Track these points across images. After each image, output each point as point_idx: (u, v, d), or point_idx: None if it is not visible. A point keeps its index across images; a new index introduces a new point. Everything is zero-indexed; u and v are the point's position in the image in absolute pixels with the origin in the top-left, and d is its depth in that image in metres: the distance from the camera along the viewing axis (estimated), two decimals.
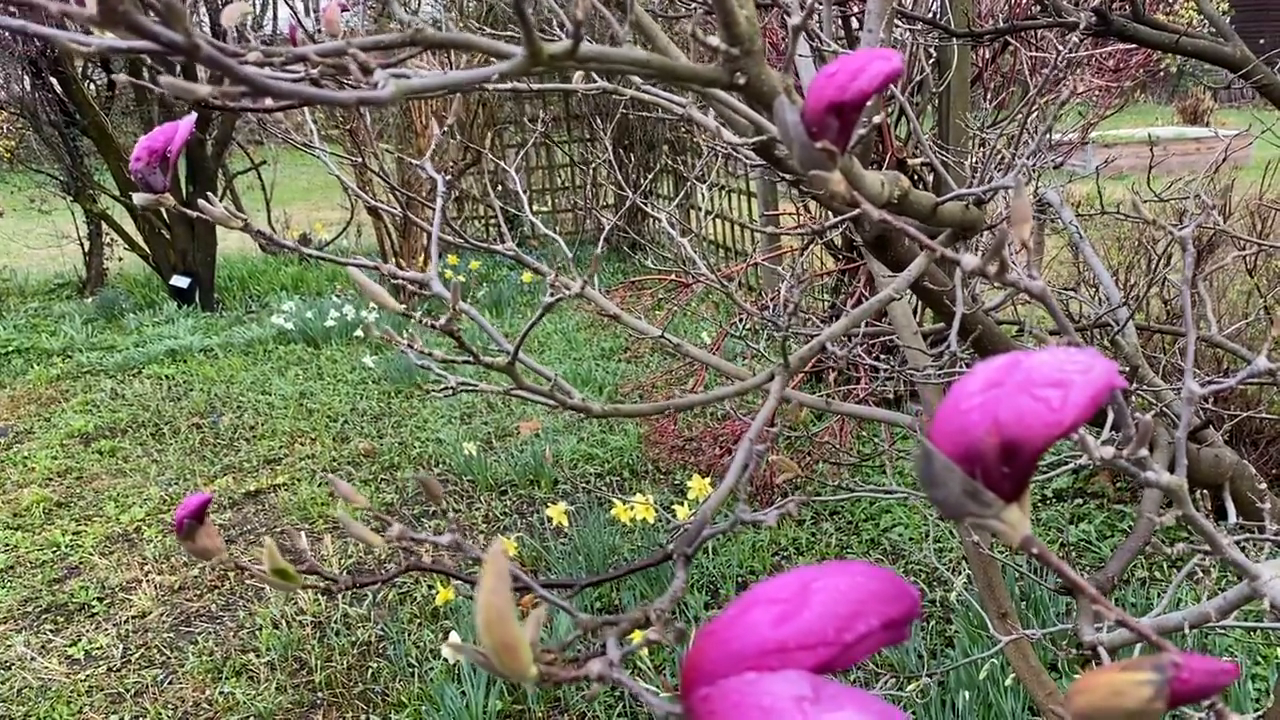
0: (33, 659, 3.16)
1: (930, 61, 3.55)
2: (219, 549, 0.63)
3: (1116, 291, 1.59)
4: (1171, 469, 0.54)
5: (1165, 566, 3.09)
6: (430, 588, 3.32)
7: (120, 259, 8.85)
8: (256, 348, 6.53)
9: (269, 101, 0.69)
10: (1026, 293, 0.47)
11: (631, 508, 2.93)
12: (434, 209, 0.87)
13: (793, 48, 0.49)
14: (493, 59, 0.49)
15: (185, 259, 7.77)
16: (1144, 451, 0.50)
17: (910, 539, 3.46)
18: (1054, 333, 1.56)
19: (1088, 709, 0.29)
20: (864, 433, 4.20)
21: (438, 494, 0.58)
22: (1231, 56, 1.82)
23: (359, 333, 6.47)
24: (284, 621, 3.24)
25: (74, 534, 4.02)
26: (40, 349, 6.84)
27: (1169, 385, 1.45)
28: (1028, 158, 1.23)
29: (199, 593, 3.51)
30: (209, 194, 0.79)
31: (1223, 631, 2.64)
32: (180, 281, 7.73)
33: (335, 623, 3.20)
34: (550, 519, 2.99)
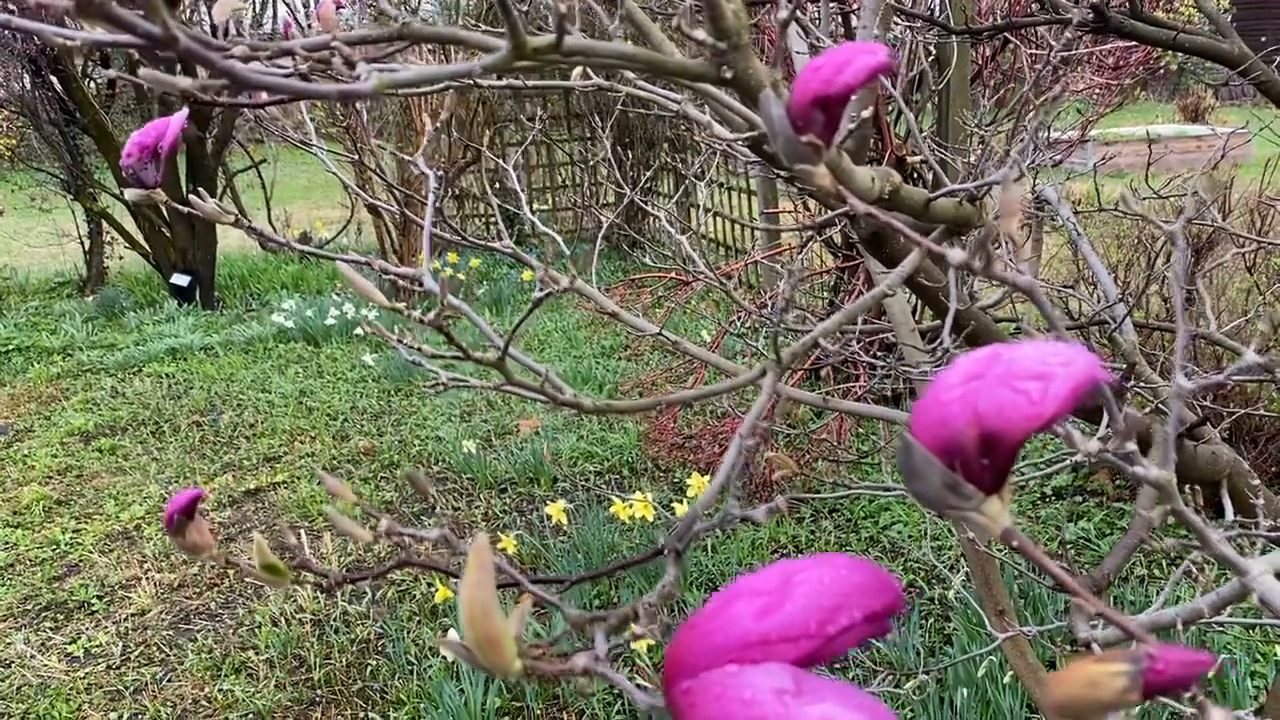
0: (32, 656, 3.16)
1: (930, 59, 3.55)
2: (209, 545, 0.63)
3: (1114, 288, 1.59)
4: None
5: (1164, 564, 3.09)
6: (429, 585, 3.32)
7: (121, 257, 8.86)
8: (257, 346, 6.53)
9: (263, 96, 0.69)
10: (1014, 286, 0.47)
11: (631, 505, 2.93)
12: (428, 208, 0.87)
13: (781, 41, 0.49)
14: (481, 53, 0.49)
15: (185, 257, 7.78)
16: (1132, 446, 0.50)
17: (909, 537, 3.46)
18: (1051, 329, 1.56)
19: (1064, 700, 0.29)
20: (862, 430, 4.20)
21: (425, 490, 0.58)
22: (1230, 53, 1.82)
23: (359, 331, 6.48)
24: (283, 619, 3.24)
25: (74, 532, 4.02)
26: (41, 347, 6.85)
27: (1166, 382, 1.45)
28: (1019, 153, 1.23)
29: (198, 590, 3.51)
30: (201, 189, 0.79)
31: (1221, 629, 2.64)
32: (181, 280, 7.73)
33: (334, 620, 3.21)
34: (549, 517, 2.99)
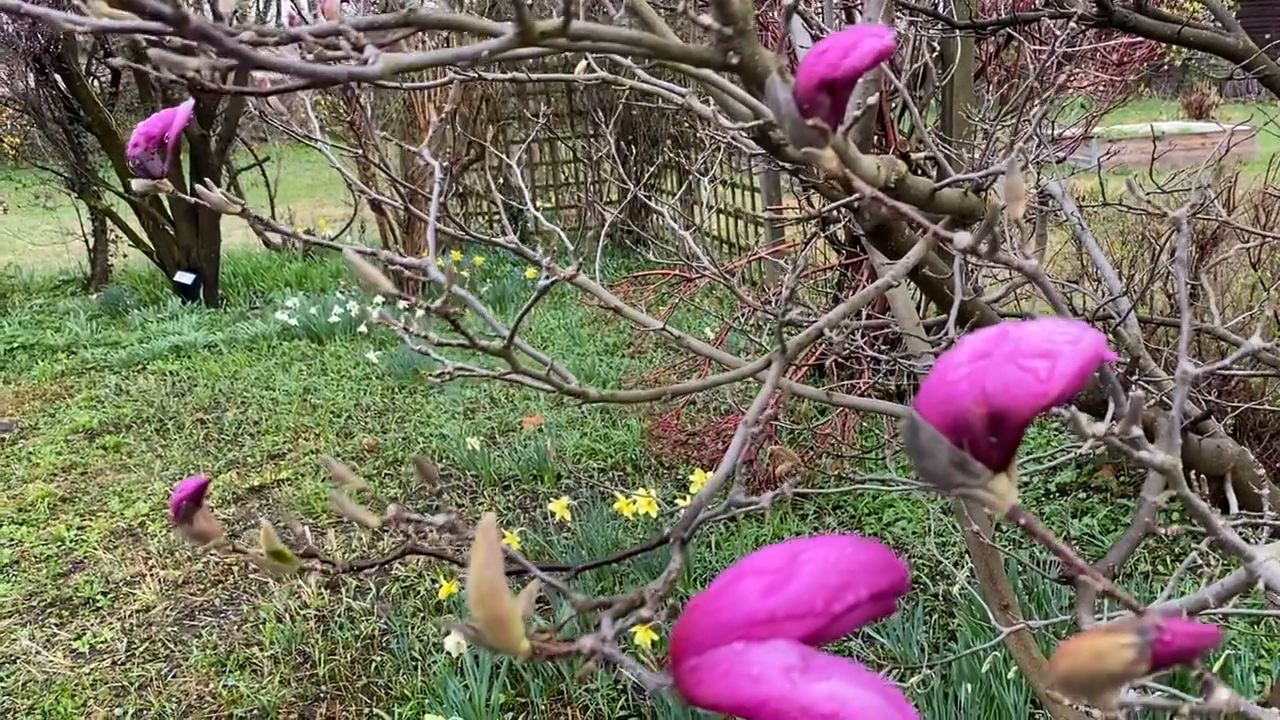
0: (37, 653, 3.17)
1: (934, 54, 3.54)
2: (216, 533, 0.63)
3: (1118, 283, 1.59)
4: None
5: (1169, 560, 3.08)
6: (433, 581, 3.33)
7: (125, 255, 8.87)
8: (260, 343, 6.54)
9: (266, 85, 0.70)
10: (1019, 270, 0.47)
11: (634, 502, 2.93)
12: (433, 199, 0.88)
13: (785, 28, 0.49)
14: (487, 39, 0.49)
15: (189, 255, 7.78)
16: (1137, 430, 0.50)
17: (913, 533, 3.46)
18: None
19: (1070, 673, 0.29)
20: (866, 426, 4.19)
21: (432, 475, 0.58)
22: (1234, 47, 1.82)
23: (363, 328, 6.48)
24: (287, 615, 3.24)
25: (79, 529, 4.03)
26: (45, 345, 6.86)
27: (1170, 377, 1.45)
28: (1024, 142, 1.22)
29: (203, 587, 3.52)
30: (206, 180, 0.79)
31: (1225, 624, 2.64)
32: (185, 278, 7.74)
33: (339, 616, 3.21)
34: (553, 513, 2.99)
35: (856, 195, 0.48)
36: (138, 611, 3.39)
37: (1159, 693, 1.25)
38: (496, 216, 8.77)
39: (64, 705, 2.89)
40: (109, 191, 8.24)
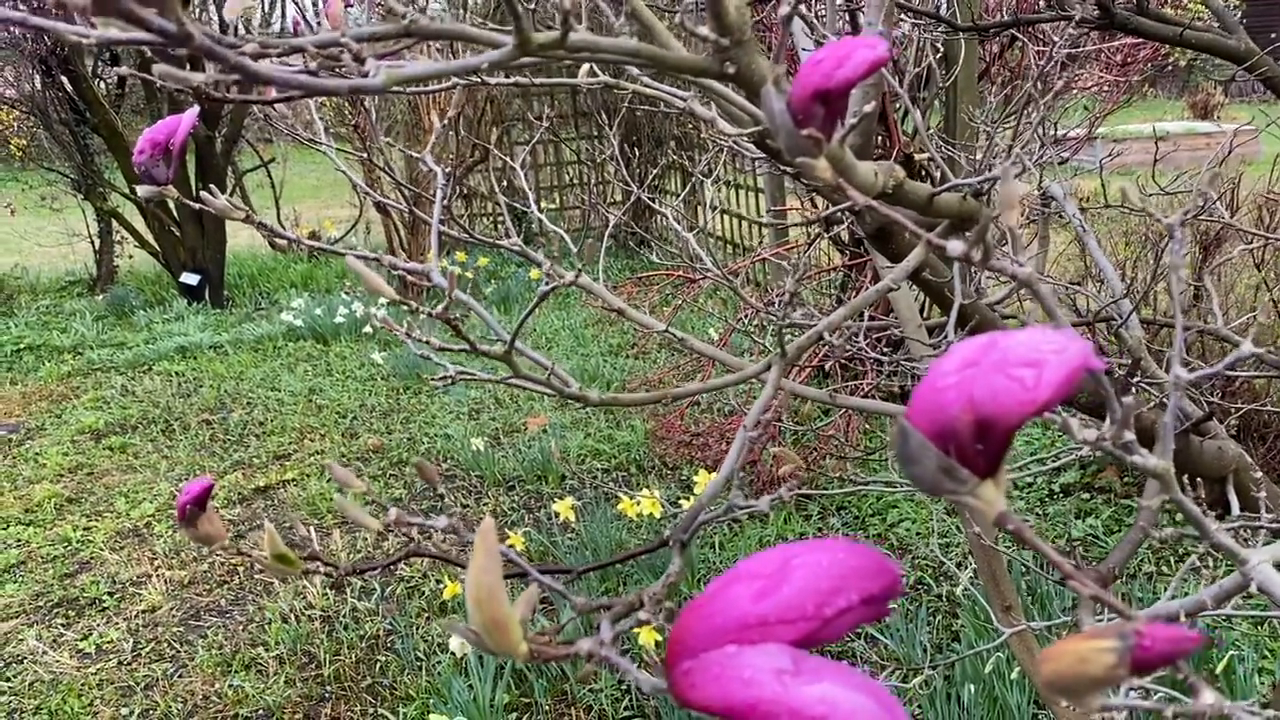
0: (44, 653, 3.18)
1: (937, 56, 3.55)
2: (221, 535, 0.64)
3: (1120, 284, 1.59)
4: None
5: (1171, 561, 3.08)
6: (438, 582, 3.34)
7: (130, 256, 8.89)
8: (266, 344, 6.56)
9: (271, 93, 0.70)
10: (1013, 278, 0.47)
11: (638, 503, 2.94)
12: (436, 203, 0.88)
13: (782, 37, 0.50)
14: (487, 49, 0.50)
15: (195, 256, 7.81)
16: (1130, 435, 0.50)
17: (916, 534, 3.46)
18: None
19: (1055, 676, 0.29)
20: (869, 427, 4.20)
21: (433, 478, 0.59)
22: (1236, 49, 1.82)
23: (368, 329, 6.50)
24: (293, 616, 3.26)
25: (85, 529, 4.05)
26: (51, 346, 6.88)
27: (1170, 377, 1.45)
28: (1023, 147, 1.23)
29: (208, 587, 3.53)
30: (212, 186, 0.80)
31: (1229, 625, 2.64)
32: (190, 279, 7.76)
33: (343, 617, 3.22)
34: (557, 514, 3.00)
35: (853, 202, 0.49)
36: (144, 612, 3.40)
37: (1159, 694, 1.26)
38: (501, 218, 8.79)
39: (70, 705, 2.90)
40: (115, 193, 8.27)
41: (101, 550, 3.84)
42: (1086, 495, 3.63)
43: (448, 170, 0.83)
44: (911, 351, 1.73)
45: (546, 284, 0.75)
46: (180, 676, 3.04)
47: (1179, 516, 3.15)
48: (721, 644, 0.34)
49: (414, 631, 3.08)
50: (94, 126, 7.72)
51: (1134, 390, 1.44)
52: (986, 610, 2.53)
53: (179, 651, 3.16)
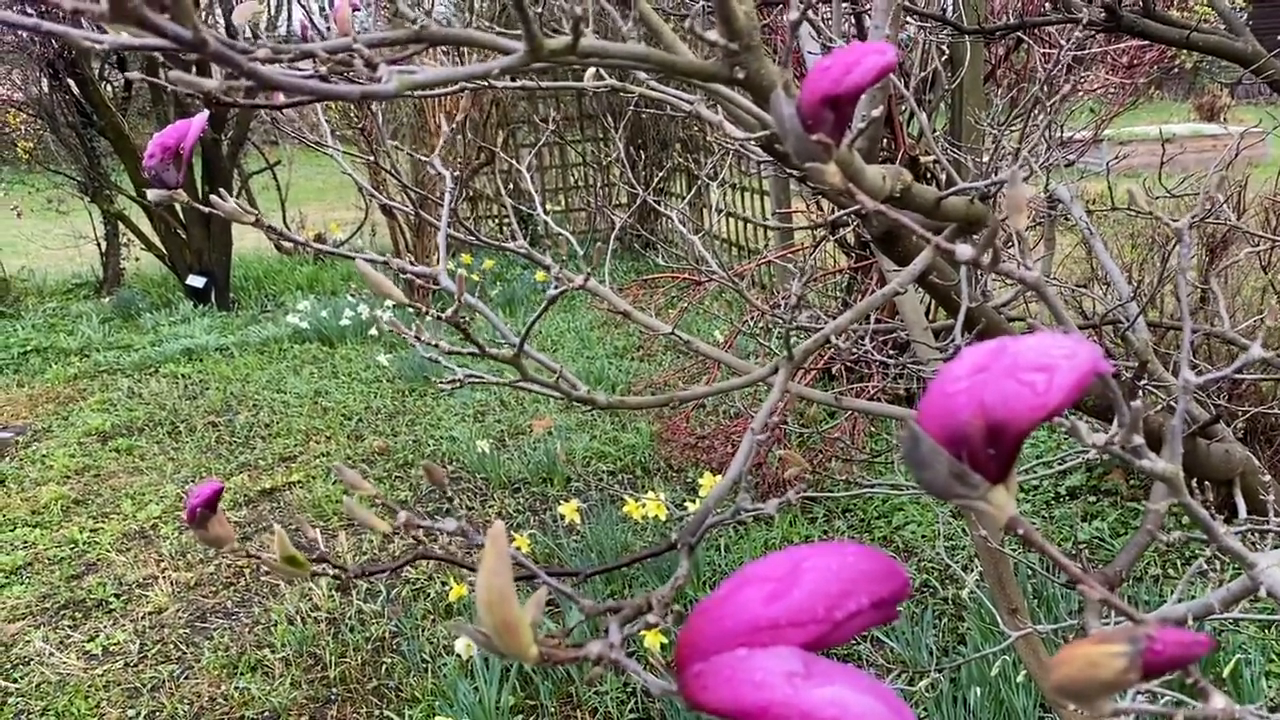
0: (51, 654, 3.19)
1: (943, 58, 3.55)
2: (230, 537, 0.64)
3: (1127, 287, 1.59)
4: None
5: (1178, 564, 3.08)
6: (444, 584, 3.34)
7: (137, 259, 8.92)
8: (272, 347, 6.57)
9: (280, 97, 0.71)
10: (1020, 282, 0.48)
11: (643, 505, 2.94)
12: (444, 206, 0.89)
13: (790, 43, 0.50)
14: (497, 55, 0.50)
15: (201, 259, 7.82)
16: (1139, 439, 0.50)
17: (922, 537, 3.46)
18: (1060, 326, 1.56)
19: (1065, 680, 0.30)
20: (875, 430, 4.19)
21: (441, 480, 0.59)
22: (1243, 52, 1.82)
23: (374, 331, 6.51)
24: (299, 618, 3.26)
25: (92, 531, 4.06)
26: (58, 348, 6.90)
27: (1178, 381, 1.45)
28: (1029, 151, 1.23)
29: (215, 589, 3.54)
30: (222, 190, 0.80)
31: (1236, 629, 2.63)
32: (196, 281, 7.78)
33: (349, 619, 3.23)
34: (563, 516, 3.00)
35: (860, 206, 0.49)
36: (150, 613, 3.41)
37: (1166, 698, 1.25)
38: (506, 220, 8.80)
39: (77, 706, 2.91)
40: (121, 195, 8.29)
41: (108, 552, 3.85)
42: (1093, 498, 3.62)
43: (456, 174, 0.84)
44: (918, 354, 1.73)
45: (555, 287, 0.75)
46: (187, 678, 3.04)
47: (1186, 520, 3.15)
48: (732, 646, 0.34)
49: (420, 634, 3.09)
50: (100, 129, 7.75)
51: (1141, 393, 1.44)
52: (992, 613, 2.53)
53: (185, 653, 3.17)
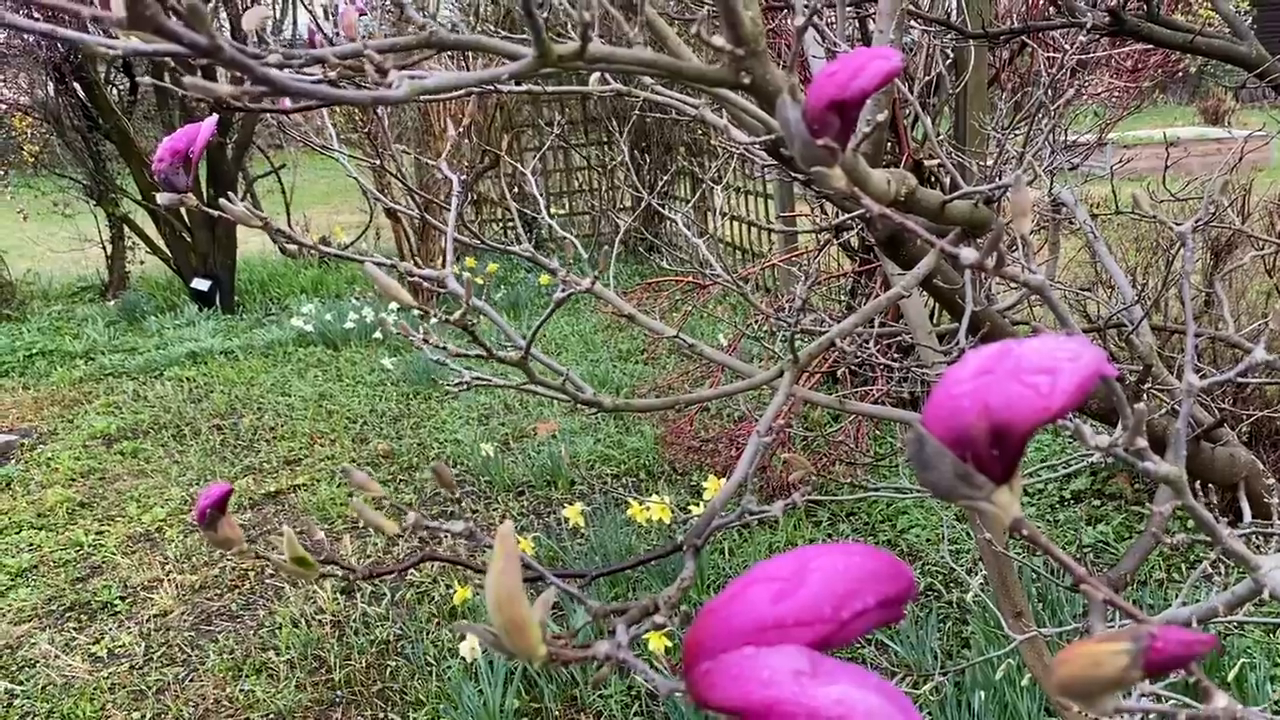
0: (56, 657, 3.20)
1: (947, 62, 3.55)
2: (239, 539, 0.65)
3: (1131, 291, 1.60)
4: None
5: (1183, 568, 3.07)
6: (448, 587, 3.35)
7: (142, 262, 8.93)
8: (276, 350, 6.58)
9: (288, 102, 0.71)
10: (1025, 286, 0.48)
11: (648, 508, 2.94)
12: (451, 210, 0.89)
13: (796, 49, 0.51)
14: (504, 60, 0.50)
15: (206, 262, 7.84)
16: (1142, 442, 0.51)
17: (927, 540, 3.46)
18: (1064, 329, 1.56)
19: (1068, 679, 0.30)
20: (880, 433, 4.19)
21: (450, 482, 0.60)
22: (1247, 56, 1.82)
23: (378, 335, 6.52)
24: (303, 620, 3.27)
25: (97, 534, 4.07)
26: (63, 351, 6.91)
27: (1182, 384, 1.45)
28: (1034, 155, 1.23)
29: (220, 592, 3.54)
30: (230, 194, 0.81)
31: (1240, 632, 2.63)
32: (201, 284, 7.79)
33: (354, 622, 3.23)
34: (567, 519, 3.00)
35: (865, 210, 0.49)
36: (155, 616, 3.42)
37: (1171, 700, 1.25)
38: (511, 223, 8.80)
39: (82, 709, 2.92)
40: (127, 199, 8.31)
41: (113, 555, 3.86)
42: (1097, 501, 3.62)
43: (464, 178, 0.84)
44: (922, 358, 1.73)
45: (562, 291, 0.76)
46: (191, 681, 3.05)
47: (1190, 523, 3.14)
48: (740, 645, 0.35)
49: (424, 636, 3.09)
50: (106, 133, 7.77)
51: (1145, 397, 1.44)
52: (997, 616, 2.53)
53: (190, 656, 3.18)
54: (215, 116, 0.81)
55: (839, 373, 3.94)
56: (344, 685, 2.94)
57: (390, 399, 5.40)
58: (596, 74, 1.21)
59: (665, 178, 7.36)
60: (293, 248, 0.83)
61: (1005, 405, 0.34)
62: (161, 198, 0.74)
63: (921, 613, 2.95)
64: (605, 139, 8.75)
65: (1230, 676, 2.43)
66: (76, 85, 7.54)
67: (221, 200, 0.78)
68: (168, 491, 4.39)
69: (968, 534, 3.44)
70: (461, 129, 0.98)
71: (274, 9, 9.24)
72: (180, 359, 6.46)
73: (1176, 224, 0.63)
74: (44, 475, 4.71)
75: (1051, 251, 1.68)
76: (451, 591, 3.26)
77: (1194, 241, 0.62)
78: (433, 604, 3.30)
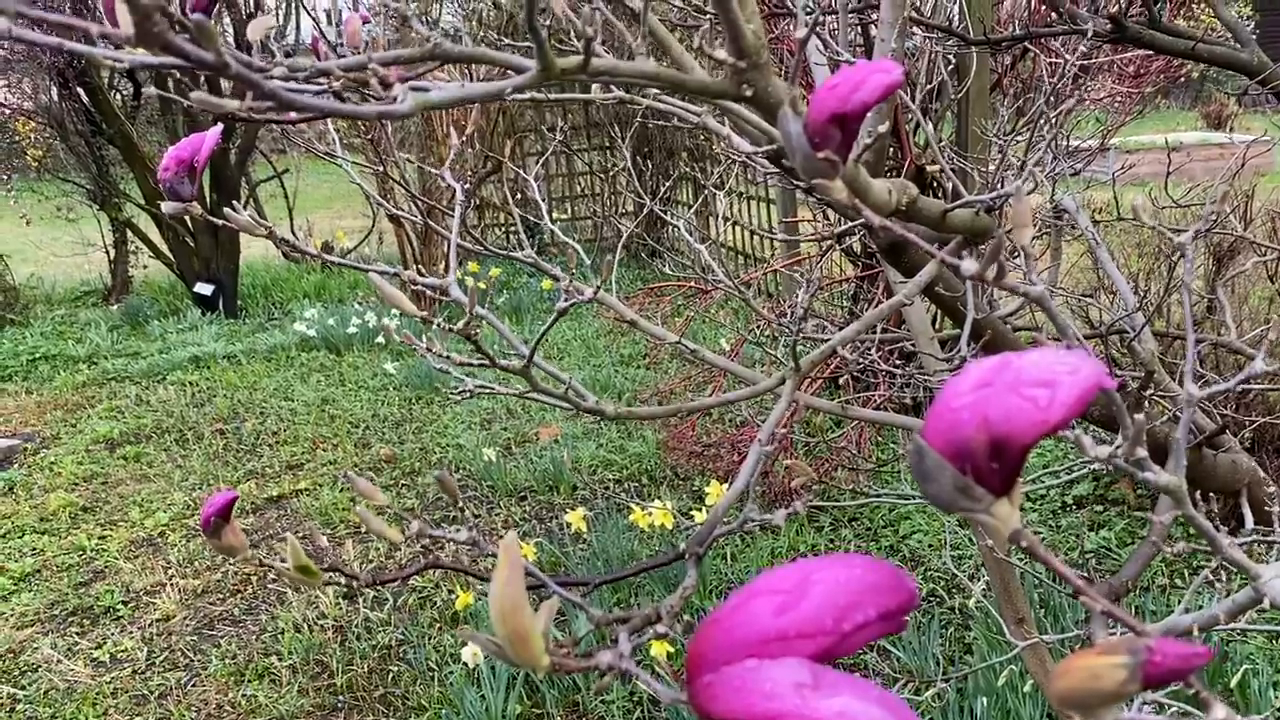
0: (59, 661, 3.20)
1: (949, 68, 3.55)
2: (243, 546, 0.65)
3: (1133, 297, 1.60)
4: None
5: (1185, 574, 3.07)
6: (450, 592, 3.35)
7: (145, 267, 8.95)
8: (279, 354, 6.59)
9: (293, 114, 0.72)
10: (1025, 296, 0.48)
11: (650, 514, 2.94)
12: (454, 217, 0.89)
13: (798, 60, 0.51)
14: (509, 72, 0.51)
15: (209, 267, 7.85)
16: (1142, 452, 0.51)
17: (929, 546, 3.46)
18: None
19: (1067, 692, 0.30)
20: (882, 439, 4.19)
21: (454, 491, 0.60)
22: (1248, 63, 1.82)
23: (380, 339, 6.52)
24: (305, 625, 3.27)
25: (99, 538, 4.07)
26: (66, 356, 6.92)
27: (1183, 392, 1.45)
28: (1035, 163, 1.24)
29: (222, 597, 3.55)
30: (234, 202, 0.81)
31: (1243, 639, 2.63)
32: (204, 289, 7.80)
33: (356, 627, 3.23)
34: (569, 525, 3.00)
35: (864, 220, 0.49)
36: (158, 621, 3.42)
37: (1173, 709, 1.25)
38: (513, 228, 8.81)
39: (85, 714, 2.92)
40: (130, 203, 8.33)
41: (116, 559, 3.86)
42: (1100, 507, 3.62)
43: (465, 185, 0.84)
44: (924, 365, 1.74)
45: (566, 299, 0.76)
46: (194, 685, 3.05)
47: (1193, 531, 3.14)
48: (742, 657, 0.35)
49: (426, 642, 3.09)
50: (109, 138, 7.79)
51: (1147, 404, 1.45)
52: (999, 623, 2.53)
53: (193, 660, 3.18)
54: (220, 126, 0.82)
55: (841, 379, 3.94)
56: (346, 690, 2.94)
57: (393, 404, 5.41)
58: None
59: (667, 183, 7.38)
60: (298, 254, 0.83)
61: (1004, 418, 0.34)
62: (167, 206, 0.75)
63: (924, 619, 2.95)
64: (608, 144, 8.76)
65: (1233, 683, 2.43)
66: (80, 90, 7.57)
67: (226, 210, 0.79)
68: (170, 496, 4.40)
69: (970, 540, 3.44)
70: (464, 138, 0.99)
71: (277, 14, 9.26)
72: (183, 363, 6.47)
73: (1177, 233, 0.63)
74: (47, 480, 4.72)
75: (1053, 258, 1.68)
76: (453, 596, 3.26)
77: (1196, 247, 0.62)
78: (435, 609, 3.30)
